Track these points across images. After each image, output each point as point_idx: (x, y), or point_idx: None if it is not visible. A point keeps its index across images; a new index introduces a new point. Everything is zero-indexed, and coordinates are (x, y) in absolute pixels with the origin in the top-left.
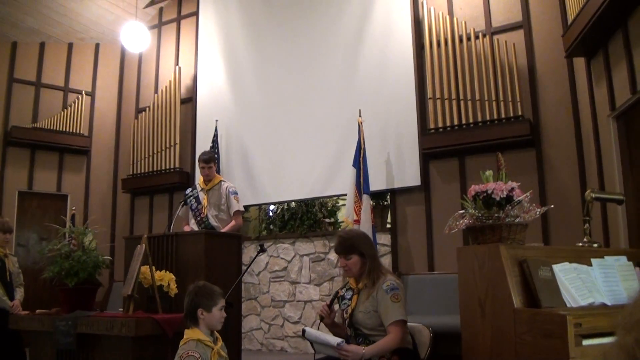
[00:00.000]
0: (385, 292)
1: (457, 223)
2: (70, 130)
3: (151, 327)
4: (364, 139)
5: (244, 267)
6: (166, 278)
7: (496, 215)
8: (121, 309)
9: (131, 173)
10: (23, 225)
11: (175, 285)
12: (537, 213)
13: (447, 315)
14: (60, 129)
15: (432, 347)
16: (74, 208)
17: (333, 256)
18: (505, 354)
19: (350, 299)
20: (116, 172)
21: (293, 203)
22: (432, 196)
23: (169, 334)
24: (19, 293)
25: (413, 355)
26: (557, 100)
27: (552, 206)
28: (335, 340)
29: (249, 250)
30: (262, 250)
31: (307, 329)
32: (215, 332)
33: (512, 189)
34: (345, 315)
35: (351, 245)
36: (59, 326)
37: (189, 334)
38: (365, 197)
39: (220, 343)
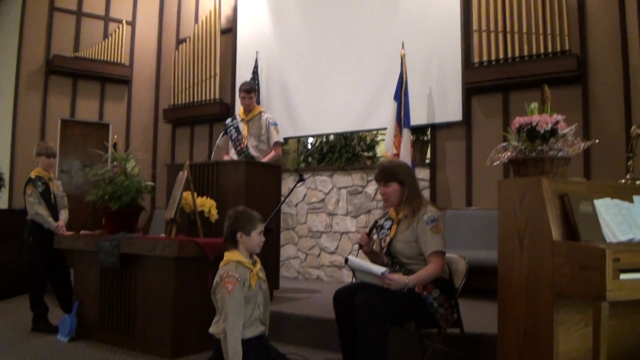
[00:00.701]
0: (426, 223)
1: (500, 155)
2: (111, 60)
3: (193, 249)
4: (406, 72)
5: (282, 198)
6: (207, 204)
7: (539, 148)
8: (163, 234)
9: (172, 104)
10: (66, 152)
11: (216, 211)
12: (581, 147)
13: (483, 250)
14: (101, 59)
15: (467, 279)
16: (116, 136)
17: (371, 189)
18: (542, 286)
19: (389, 229)
20: (157, 103)
21: (332, 136)
22: (474, 132)
23: (209, 257)
24: (64, 215)
25: (449, 285)
26: (606, 35)
27: (597, 141)
28: (379, 269)
29: (287, 182)
30: (301, 179)
31: (350, 257)
32: (254, 255)
33: (557, 121)
34: (383, 244)
35: (391, 173)
36: (103, 246)
37: (229, 255)
38: (405, 131)
39: (259, 265)
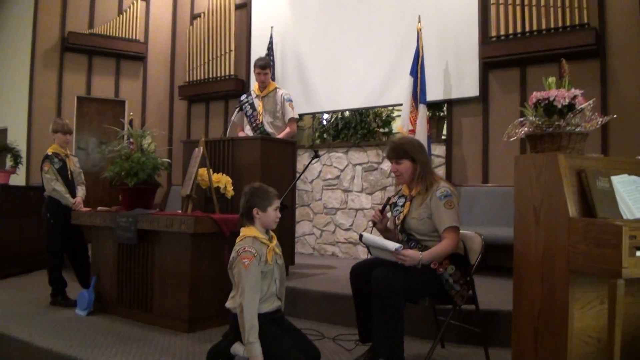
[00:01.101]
0: (439, 199)
1: (516, 131)
2: (126, 36)
3: (209, 225)
4: (422, 47)
5: (297, 174)
6: (223, 180)
7: (557, 123)
8: (179, 210)
9: (187, 80)
10: (82, 129)
11: (232, 187)
12: (599, 122)
13: (498, 227)
14: (116, 35)
15: (482, 256)
16: (131, 113)
17: (386, 166)
18: (557, 263)
19: (402, 206)
20: (172, 79)
21: (347, 112)
22: (490, 107)
23: (225, 232)
24: (81, 191)
25: (464, 261)
26: (626, 8)
27: (615, 116)
28: (393, 245)
29: (302, 158)
30: (316, 156)
31: (365, 234)
32: (270, 231)
33: (575, 96)
34: (397, 222)
35: (402, 150)
36: (120, 222)
37: (245, 231)
38: (421, 106)
39: (275, 241)
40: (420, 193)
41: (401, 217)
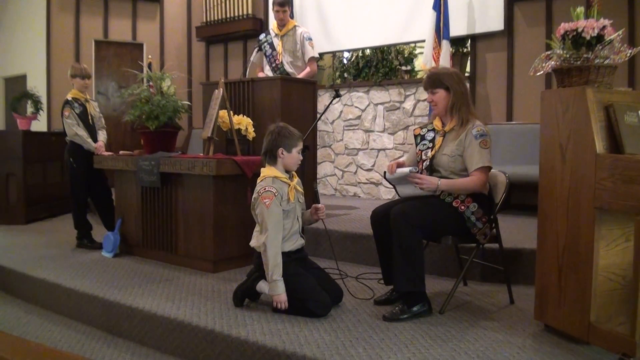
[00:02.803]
0: (475, 137)
1: (543, 65)
2: None
3: (231, 167)
4: None
5: (318, 115)
6: (244, 122)
7: (585, 56)
8: (201, 154)
9: (204, 20)
10: (101, 73)
11: (253, 129)
12: (629, 54)
13: (522, 165)
14: None
15: (507, 195)
16: (150, 56)
17: (409, 105)
18: (583, 200)
19: (431, 141)
20: (190, 20)
21: (368, 50)
22: (515, 42)
23: (247, 174)
24: (102, 135)
25: (487, 200)
26: None
27: None
28: (408, 168)
29: (322, 99)
30: (337, 95)
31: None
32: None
33: (604, 26)
34: (424, 156)
35: (437, 79)
36: (142, 165)
37: (266, 171)
38: (444, 42)
39: (296, 179)
40: (455, 129)
41: (431, 153)
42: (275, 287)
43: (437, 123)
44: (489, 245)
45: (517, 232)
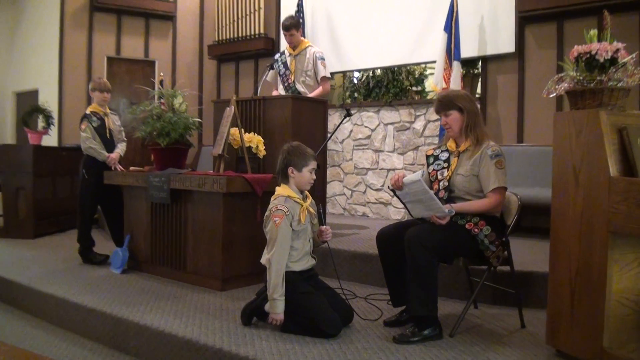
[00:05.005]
0: (490, 158)
1: (556, 87)
2: None
3: (241, 185)
4: (457, 1)
5: (328, 134)
6: (255, 140)
7: (598, 78)
8: (211, 170)
9: (217, 39)
10: (112, 90)
11: (264, 147)
12: None
13: (534, 187)
14: None
15: (518, 217)
16: (162, 73)
17: (419, 125)
18: (596, 223)
19: (446, 161)
20: (202, 39)
21: (379, 70)
22: (527, 64)
23: (258, 192)
24: (119, 147)
25: (499, 222)
26: None
27: None
28: (416, 173)
29: (332, 118)
30: (348, 114)
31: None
32: (305, 191)
33: (618, 49)
34: (440, 177)
35: (449, 101)
36: (152, 182)
37: (279, 190)
38: (455, 63)
39: (309, 200)
40: (469, 149)
41: (448, 173)
42: (274, 306)
43: (450, 144)
44: (500, 268)
45: (528, 254)
